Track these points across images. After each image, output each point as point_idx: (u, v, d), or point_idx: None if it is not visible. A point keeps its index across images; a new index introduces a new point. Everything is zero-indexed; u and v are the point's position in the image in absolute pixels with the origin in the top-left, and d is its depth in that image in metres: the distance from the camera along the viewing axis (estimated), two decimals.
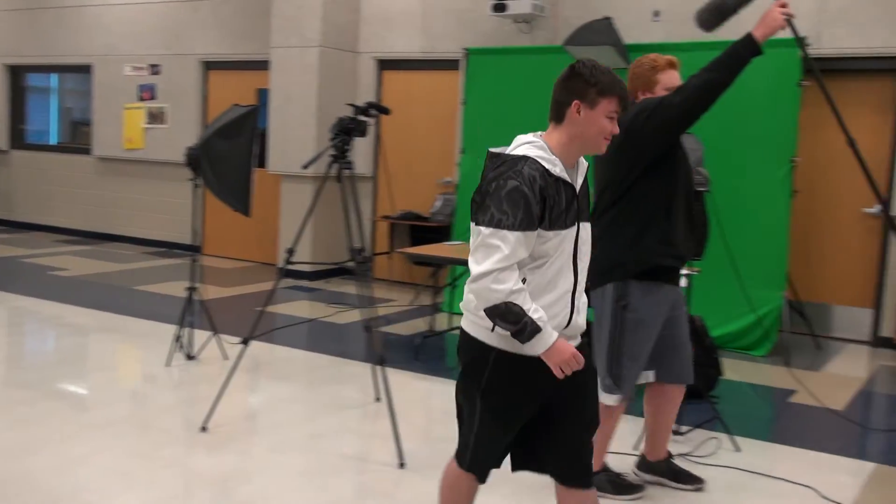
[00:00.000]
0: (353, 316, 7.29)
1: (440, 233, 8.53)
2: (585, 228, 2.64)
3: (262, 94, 9.85)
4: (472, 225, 2.54)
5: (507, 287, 2.42)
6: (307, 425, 4.72)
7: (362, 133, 4.60)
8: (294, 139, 9.13)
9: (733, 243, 5.76)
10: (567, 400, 2.67)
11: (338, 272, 9.39)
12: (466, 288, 2.57)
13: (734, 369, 6.16)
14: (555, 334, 2.47)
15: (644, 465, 4.05)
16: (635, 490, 3.91)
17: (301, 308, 7.90)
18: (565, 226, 2.53)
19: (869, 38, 6.96)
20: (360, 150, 9.30)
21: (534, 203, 2.44)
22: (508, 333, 2.49)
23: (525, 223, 2.43)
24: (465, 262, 6.51)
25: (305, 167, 4.70)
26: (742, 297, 6.37)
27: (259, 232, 10.12)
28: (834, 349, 7.07)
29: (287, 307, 7.84)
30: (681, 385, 3.90)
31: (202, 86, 10.74)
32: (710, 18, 3.73)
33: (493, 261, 2.42)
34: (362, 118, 4.58)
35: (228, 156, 5.47)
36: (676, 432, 4.66)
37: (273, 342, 6.48)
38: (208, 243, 10.79)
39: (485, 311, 2.48)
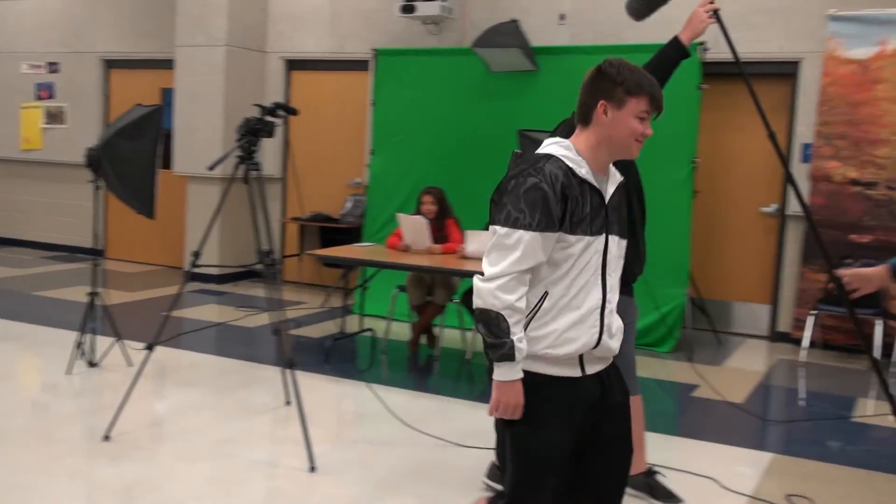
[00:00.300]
0: (263, 319, 7.19)
1: (350, 234, 8.49)
2: (617, 243, 2.44)
3: (167, 94, 9.62)
4: (490, 225, 2.38)
5: (510, 299, 2.27)
6: (215, 431, 4.63)
7: (269, 134, 4.54)
8: (200, 140, 8.96)
9: None
10: (600, 441, 2.46)
11: (246, 275, 9.25)
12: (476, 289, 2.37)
13: (640, 366, 6.22)
14: (519, 374, 2.31)
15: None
16: (673, 499, 3.89)
17: (209, 312, 7.76)
18: (590, 232, 2.34)
19: (765, 43, 7.22)
20: (269, 151, 9.19)
21: (554, 202, 2.27)
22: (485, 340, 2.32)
23: (544, 223, 2.27)
24: (375, 264, 6.53)
25: (211, 168, 4.62)
26: (646, 295, 6.53)
27: (164, 235, 9.90)
28: (734, 344, 7.31)
29: (194, 311, 7.69)
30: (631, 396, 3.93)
31: (103, 85, 10.44)
32: (641, 8, 3.80)
33: (507, 263, 2.27)
34: (269, 119, 4.52)
35: (131, 157, 5.34)
36: None
37: (180, 347, 6.34)
38: (111, 247, 10.49)
39: (475, 309, 2.33)
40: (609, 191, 2.42)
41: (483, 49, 7.39)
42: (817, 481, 4.26)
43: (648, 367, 6.39)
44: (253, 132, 4.48)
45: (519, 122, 6.68)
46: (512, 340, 2.27)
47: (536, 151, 2.42)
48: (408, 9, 8.03)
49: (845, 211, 6.80)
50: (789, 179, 3.45)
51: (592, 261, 2.36)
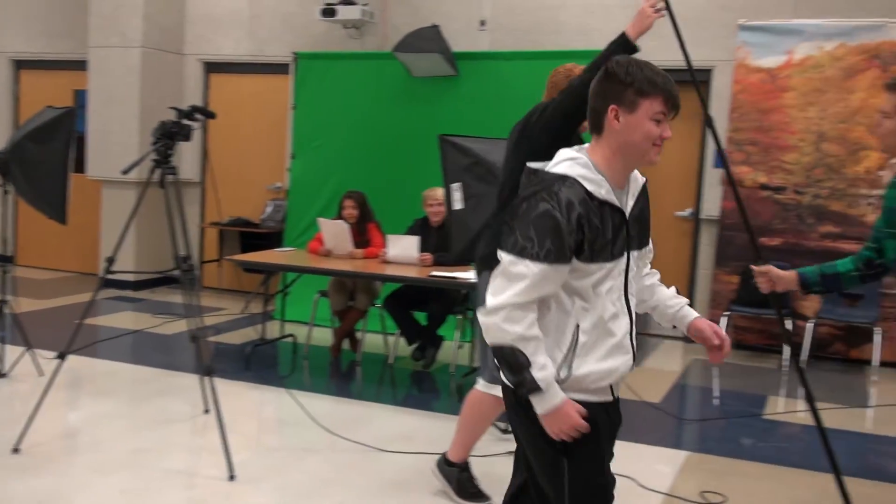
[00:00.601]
0: (181, 326, 7.05)
1: (271, 239, 8.40)
2: (636, 257, 2.32)
3: (81, 96, 9.38)
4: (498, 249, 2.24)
5: (518, 330, 2.10)
6: (131, 441, 4.53)
7: (186, 137, 4.47)
8: (115, 143, 8.75)
9: None
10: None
11: (164, 281, 9.06)
12: (480, 318, 2.23)
13: None
14: (560, 395, 2.14)
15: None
16: (480, 499, 3.90)
17: (124, 319, 7.58)
18: (612, 257, 2.18)
19: (676, 51, 7.38)
20: (187, 154, 9.04)
21: (567, 232, 2.09)
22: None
23: (553, 255, 2.09)
24: (296, 269, 6.47)
25: (125, 172, 4.50)
26: None
27: (78, 241, 9.63)
28: (652, 345, 7.46)
29: (109, 319, 7.50)
30: None
31: (13, 86, 10.11)
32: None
33: (510, 294, 2.10)
34: (186, 122, 4.45)
35: (42, 160, 5.18)
36: (504, 430, 4.78)
37: (94, 356, 6.18)
38: (22, 253, 10.16)
39: (492, 350, 2.17)
40: (629, 203, 2.26)
41: (404, 54, 7.40)
42: (731, 477, 4.38)
43: None
44: (169, 136, 4.40)
45: (440, 127, 6.70)
46: (531, 374, 2.11)
47: (550, 167, 2.22)
48: (328, 12, 7.99)
49: (756, 215, 7.01)
50: (730, 180, 3.52)
51: (616, 283, 2.22)
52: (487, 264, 3.67)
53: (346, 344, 6.64)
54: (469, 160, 5.20)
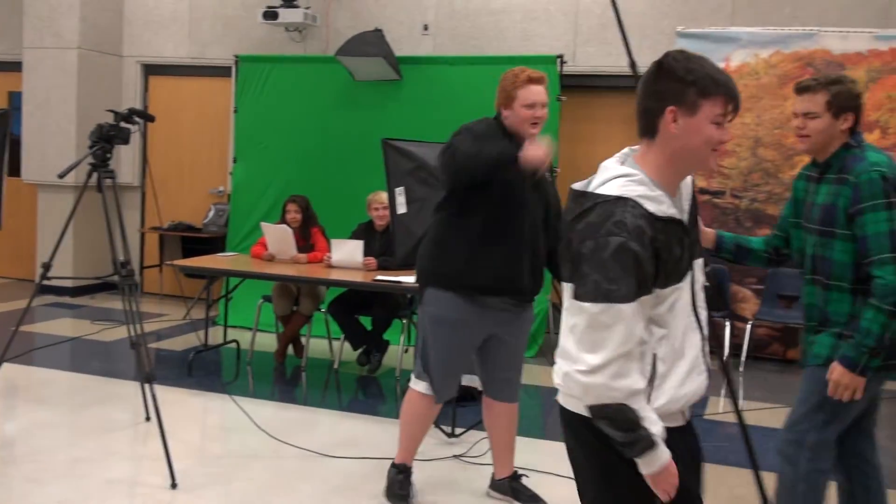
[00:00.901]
0: (121, 333, 6.94)
1: (213, 244, 8.30)
2: (699, 266, 2.10)
3: (16, 98, 9.16)
4: (568, 288, 1.99)
5: (628, 385, 1.88)
6: (70, 450, 4.43)
7: (124, 140, 4.41)
8: (52, 146, 8.57)
9: None
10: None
11: (103, 287, 8.90)
12: (566, 368, 1.99)
13: None
14: (667, 452, 1.93)
15: (491, 482, 4.08)
16: (402, 501, 3.89)
17: (62, 326, 7.42)
18: (682, 277, 1.99)
19: (618, 57, 7.49)
20: (126, 158, 8.90)
21: (646, 260, 1.88)
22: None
23: (639, 289, 1.88)
24: (239, 274, 6.40)
25: (61, 176, 4.42)
26: None
27: (13, 246, 9.40)
28: None
29: (47, 326, 7.34)
30: (503, 403, 3.92)
31: None
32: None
33: (611, 348, 1.86)
34: (124, 125, 4.38)
35: None
36: (451, 434, 4.80)
37: (31, 364, 6.04)
38: None
39: (589, 407, 1.94)
40: (686, 209, 2.07)
41: (347, 57, 7.38)
42: None
43: None
44: (107, 139, 4.33)
45: (383, 131, 6.70)
46: (646, 430, 1.89)
47: (600, 187, 1.97)
48: (270, 15, 7.93)
49: None
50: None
51: (685, 300, 2.02)
52: (434, 280, 3.70)
53: (290, 349, 6.59)
54: (412, 164, 5.22)
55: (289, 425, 5.00)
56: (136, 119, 4.47)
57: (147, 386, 4.40)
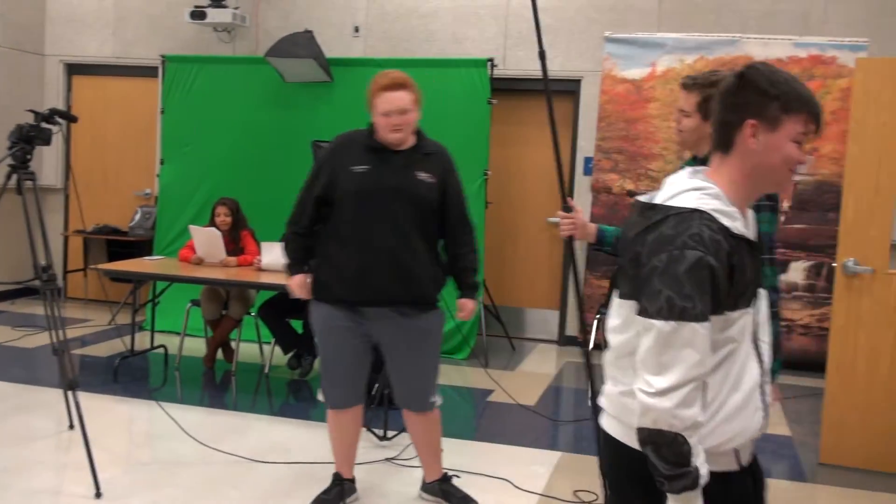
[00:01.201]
0: (43, 339, 6.74)
1: (140, 248, 8.13)
2: (763, 295, 1.95)
3: None
4: (624, 305, 1.88)
5: (692, 416, 1.74)
6: None
7: (46, 142, 4.29)
8: None
9: None
10: None
11: (24, 292, 8.64)
12: (615, 390, 1.91)
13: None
14: (700, 499, 1.79)
15: (422, 485, 4.08)
16: None
17: None
18: (750, 301, 1.85)
19: (548, 61, 7.54)
20: (49, 159, 8.67)
21: (722, 277, 1.76)
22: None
23: (712, 307, 1.76)
24: (166, 278, 6.28)
25: None
26: (442, 304, 6.66)
27: None
28: (527, 349, 7.61)
29: None
30: (411, 413, 3.89)
31: None
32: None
33: (681, 371, 1.73)
34: (46, 125, 4.27)
35: None
36: (382, 437, 4.78)
37: None
38: None
39: (639, 429, 1.78)
40: (753, 231, 1.92)
41: (277, 59, 7.31)
42: None
43: (446, 375, 6.51)
44: (27, 140, 4.21)
45: (313, 133, 6.68)
46: (696, 468, 1.75)
47: (671, 200, 1.85)
48: (198, 15, 7.81)
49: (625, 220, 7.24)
50: (559, 180, 3.62)
51: (748, 328, 1.86)
52: (311, 291, 3.77)
53: (220, 354, 6.49)
54: None
55: (218, 431, 4.93)
56: (58, 119, 4.36)
57: (70, 393, 4.29)
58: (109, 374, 6.02)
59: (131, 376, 6.10)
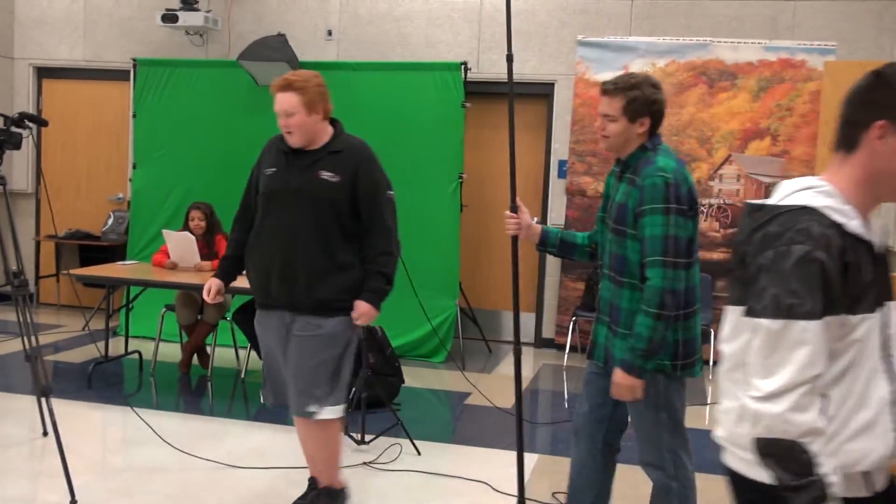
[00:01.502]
0: (15, 345, 6.67)
1: (113, 252, 8.07)
2: (894, 308, 1.81)
3: None
4: (735, 312, 1.78)
5: (809, 420, 1.62)
6: None
7: (16, 146, 4.25)
8: None
9: (408, 257, 6.02)
10: None
11: None
12: (732, 405, 1.76)
13: (415, 377, 6.43)
14: None
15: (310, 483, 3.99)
16: None
17: None
18: (875, 306, 1.72)
19: (522, 64, 7.61)
20: (19, 164, 8.58)
21: (834, 274, 1.64)
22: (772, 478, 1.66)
23: (826, 305, 1.64)
24: (140, 283, 6.24)
25: None
26: (419, 307, 6.68)
27: None
28: (504, 352, 7.63)
29: None
30: (298, 417, 3.72)
31: None
32: None
33: (794, 370, 1.62)
34: (15, 129, 4.23)
35: None
36: (360, 441, 4.78)
37: None
38: None
39: (756, 440, 1.66)
40: (877, 240, 1.79)
41: (249, 62, 7.28)
42: None
43: (423, 378, 6.54)
44: None
45: None
46: (821, 477, 1.61)
47: (781, 200, 1.77)
48: (169, 18, 7.76)
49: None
50: (512, 180, 3.64)
51: (873, 341, 1.73)
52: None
53: (195, 359, 6.46)
54: None
55: (194, 437, 4.90)
56: (28, 123, 4.32)
57: (44, 400, 4.25)
58: (83, 381, 5.97)
59: (105, 382, 6.05)
